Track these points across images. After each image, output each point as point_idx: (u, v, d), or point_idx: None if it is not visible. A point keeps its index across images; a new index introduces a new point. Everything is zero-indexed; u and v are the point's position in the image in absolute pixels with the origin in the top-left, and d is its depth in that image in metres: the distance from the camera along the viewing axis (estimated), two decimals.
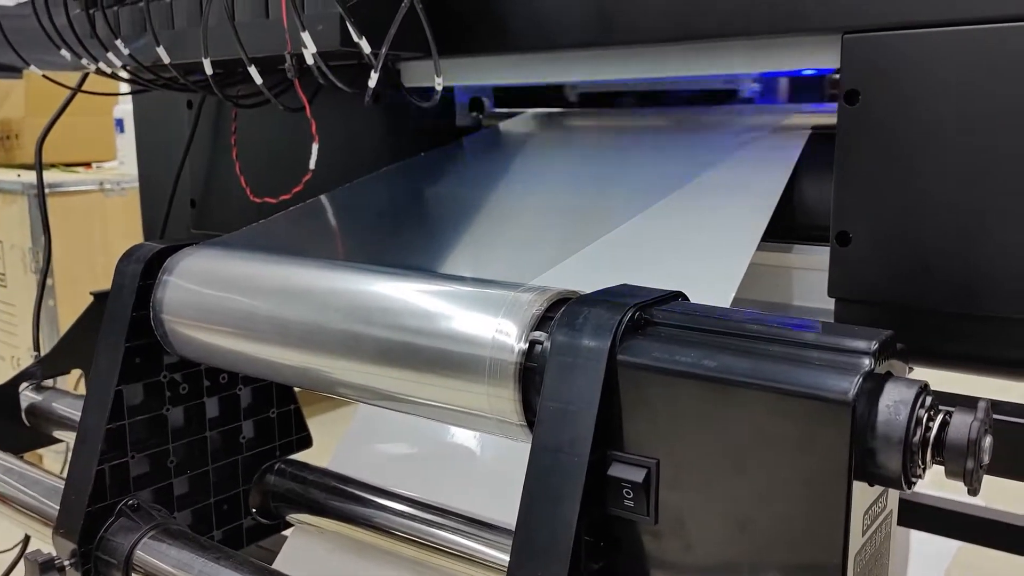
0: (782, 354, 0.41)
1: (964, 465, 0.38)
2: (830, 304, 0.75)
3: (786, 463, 0.40)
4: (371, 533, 0.74)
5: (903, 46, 0.65)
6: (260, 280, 0.63)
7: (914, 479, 0.40)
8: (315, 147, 0.85)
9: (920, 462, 0.39)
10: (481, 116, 1.06)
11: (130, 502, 0.69)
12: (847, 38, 0.67)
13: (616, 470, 0.44)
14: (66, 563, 0.67)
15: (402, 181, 0.85)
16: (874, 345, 0.40)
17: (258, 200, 0.95)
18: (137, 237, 1.27)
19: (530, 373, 0.48)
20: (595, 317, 0.46)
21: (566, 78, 0.83)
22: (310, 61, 0.76)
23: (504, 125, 1.00)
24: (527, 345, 0.48)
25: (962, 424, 0.38)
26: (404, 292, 0.55)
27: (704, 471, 0.43)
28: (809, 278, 0.81)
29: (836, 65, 0.69)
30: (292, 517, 0.79)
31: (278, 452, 0.80)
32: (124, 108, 2.28)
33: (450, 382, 0.50)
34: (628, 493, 0.44)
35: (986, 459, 0.39)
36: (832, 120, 0.77)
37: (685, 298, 0.51)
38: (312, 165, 0.86)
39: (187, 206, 1.20)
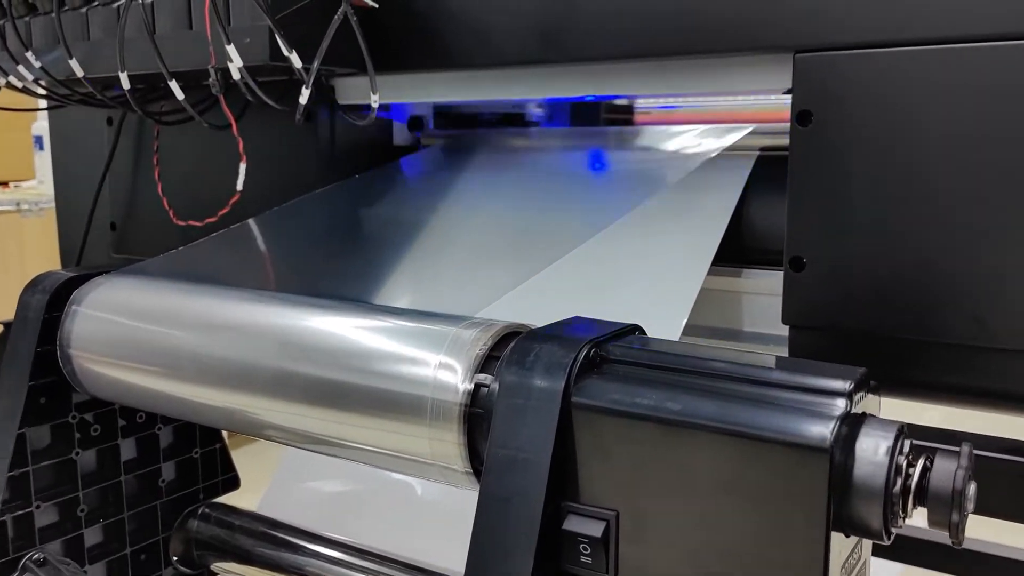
0: (751, 395, 0.38)
1: (949, 517, 0.35)
2: (784, 330, 0.73)
3: (758, 514, 0.37)
4: None
5: (855, 66, 0.63)
6: (180, 312, 0.57)
7: (894, 529, 0.37)
8: (243, 167, 0.80)
9: (901, 512, 0.36)
10: (420, 135, 1.02)
11: (35, 556, 0.63)
12: (799, 57, 0.65)
13: (572, 524, 0.41)
14: None
15: (337, 204, 0.80)
16: (849, 385, 0.37)
17: (182, 223, 0.89)
18: (56, 261, 1.20)
19: (476, 417, 0.44)
20: (547, 355, 0.42)
21: (510, 96, 0.79)
22: (236, 76, 0.71)
23: (445, 144, 0.96)
24: (472, 386, 0.44)
25: (945, 472, 0.36)
26: (339, 327, 0.50)
27: (668, 523, 0.39)
28: (760, 303, 0.79)
29: (788, 85, 0.67)
30: (218, 566, 0.73)
31: (202, 495, 0.75)
32: (43, 125, 2.18)
33: (389, 425, 0.46)
34: (585, 548, 0.40)
35: (970, 507, 0.36)
36: (779, 142, 0.75)
37: (642, 331, 0.47)
38: (240, 186, 0.81)
39: (107, 229, 1.13)
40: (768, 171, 0.79)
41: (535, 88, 0.77)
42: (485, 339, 0.45)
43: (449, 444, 0.45)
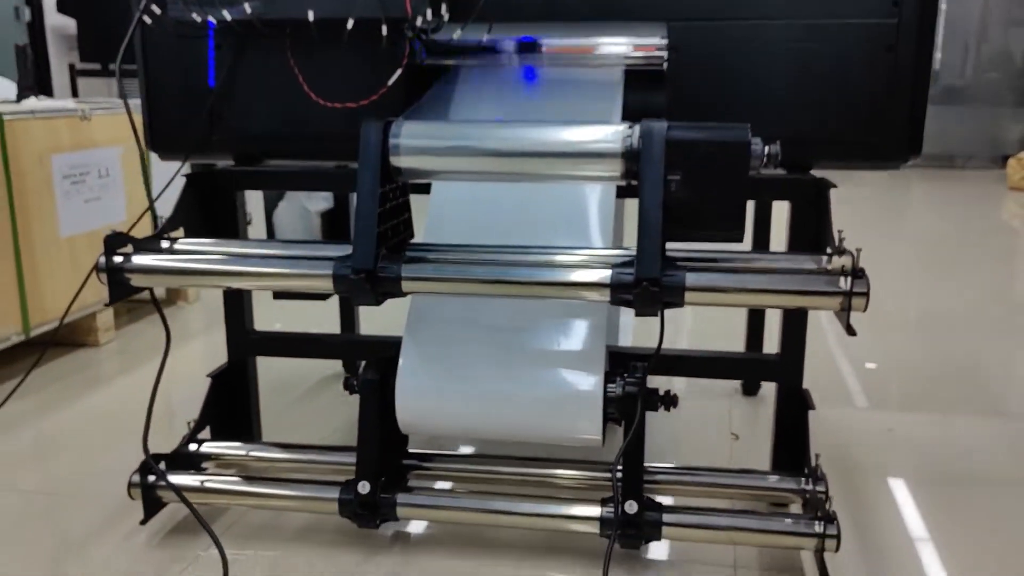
0: None
1: None
2: None
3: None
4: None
5: (700, 28, 1.55)
6: (481, 136, 1.34)
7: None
8: (398, 71, 1.52)
9: None
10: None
11: (384, 250, 1.35)
12: (671, 24, 1.55)
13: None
14: (361, 276, 1.32)
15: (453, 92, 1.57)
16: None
17: (339, 105, 1.57)
18: None
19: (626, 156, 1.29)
20: (656, 128, 1.27)
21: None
22: (419, 23, 1.45)
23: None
24: (624, 147, 1.29)
25: None
26: (554, 131, 1.31)
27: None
28: None
29: (664, 36, 1.56)
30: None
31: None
32: None
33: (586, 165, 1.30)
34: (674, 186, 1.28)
35: None
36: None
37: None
38: (390, 82, 1.53)
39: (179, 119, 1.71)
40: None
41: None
42: (629, 132, 1.30)
43: (617, 167, 1.29)
